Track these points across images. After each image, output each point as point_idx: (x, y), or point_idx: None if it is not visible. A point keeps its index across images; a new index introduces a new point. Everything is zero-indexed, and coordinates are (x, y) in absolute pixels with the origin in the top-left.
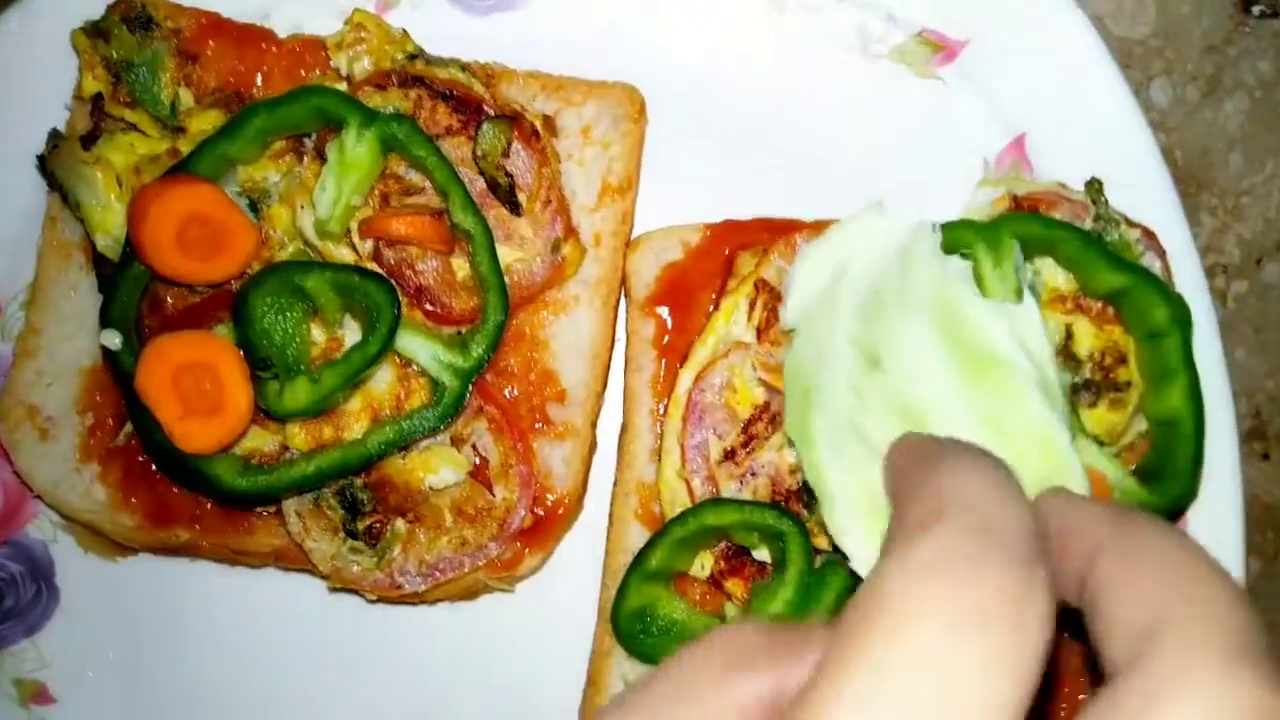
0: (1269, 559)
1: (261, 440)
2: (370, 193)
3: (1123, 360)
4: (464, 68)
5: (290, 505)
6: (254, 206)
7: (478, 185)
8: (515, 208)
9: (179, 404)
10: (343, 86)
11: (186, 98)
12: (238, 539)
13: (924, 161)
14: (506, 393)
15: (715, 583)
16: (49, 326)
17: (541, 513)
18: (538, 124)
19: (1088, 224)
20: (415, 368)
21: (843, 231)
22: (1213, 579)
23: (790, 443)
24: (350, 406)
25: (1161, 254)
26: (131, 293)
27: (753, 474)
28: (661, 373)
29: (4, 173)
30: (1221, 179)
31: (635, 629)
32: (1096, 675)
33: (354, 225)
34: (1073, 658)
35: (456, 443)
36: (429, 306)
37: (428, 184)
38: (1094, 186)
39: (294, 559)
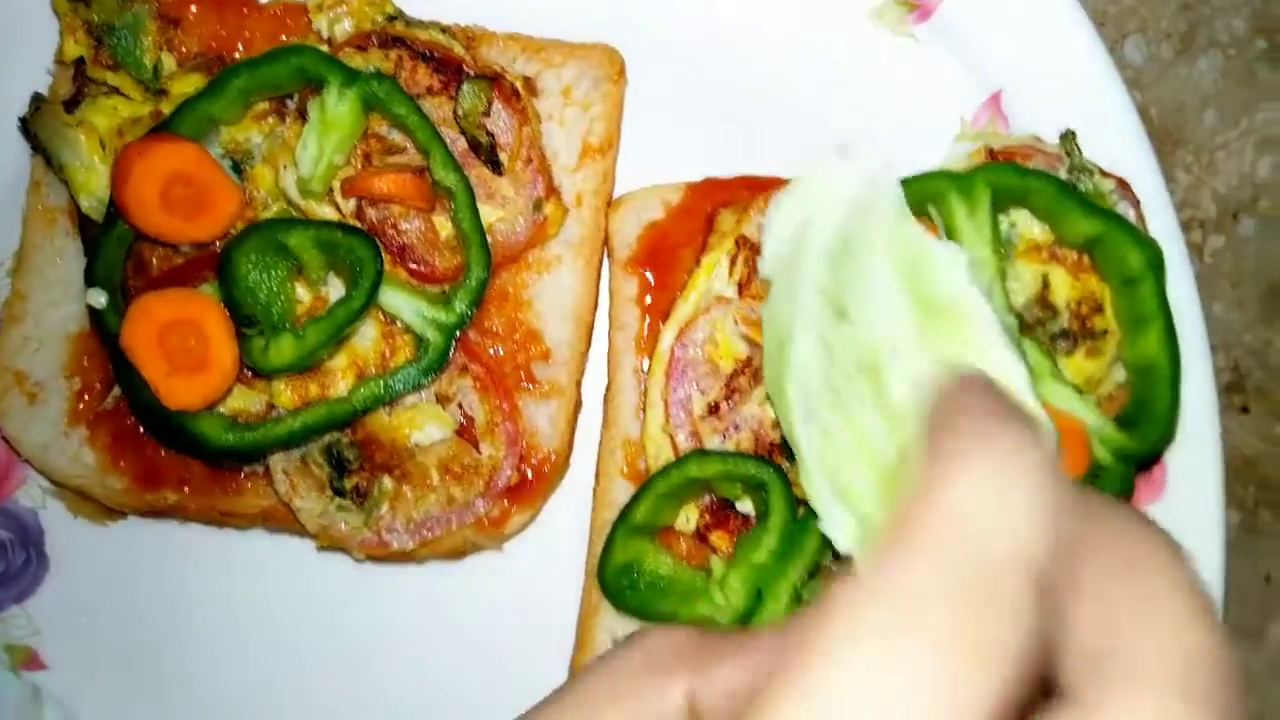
0: (1250, 511)
1: (248, 401)
2: (353, 152)
3: (1099, 309)
4: (444, 30)
5: (277, 464)
6: (237, 168)
7: (459, 145)
8: (496, 167)
9: (165, 361)
10: (324, 49)
11: (169, 62)
12: (226, 500)
13: (902, 119)
14: (491, 352)
15: (700, 537)
16: (35, 292)
17: (528, 471)
18: (518, 84)
19: (1062, 174)
20: (400, 325)
21: (809, 180)
22: (1183, 597)
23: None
24: (336, 364)
25: (1136, 204)
26: (116, 251)
27: (736, 428)
28: (645, 331)
29: None
30: (1196, 135)
31: (622, 584)
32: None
33: (337, 184)
34: None
35: (442, 401)
36: (412, 265)
37: (410, 144)
38: (1068, 138)
39: (282, 520)
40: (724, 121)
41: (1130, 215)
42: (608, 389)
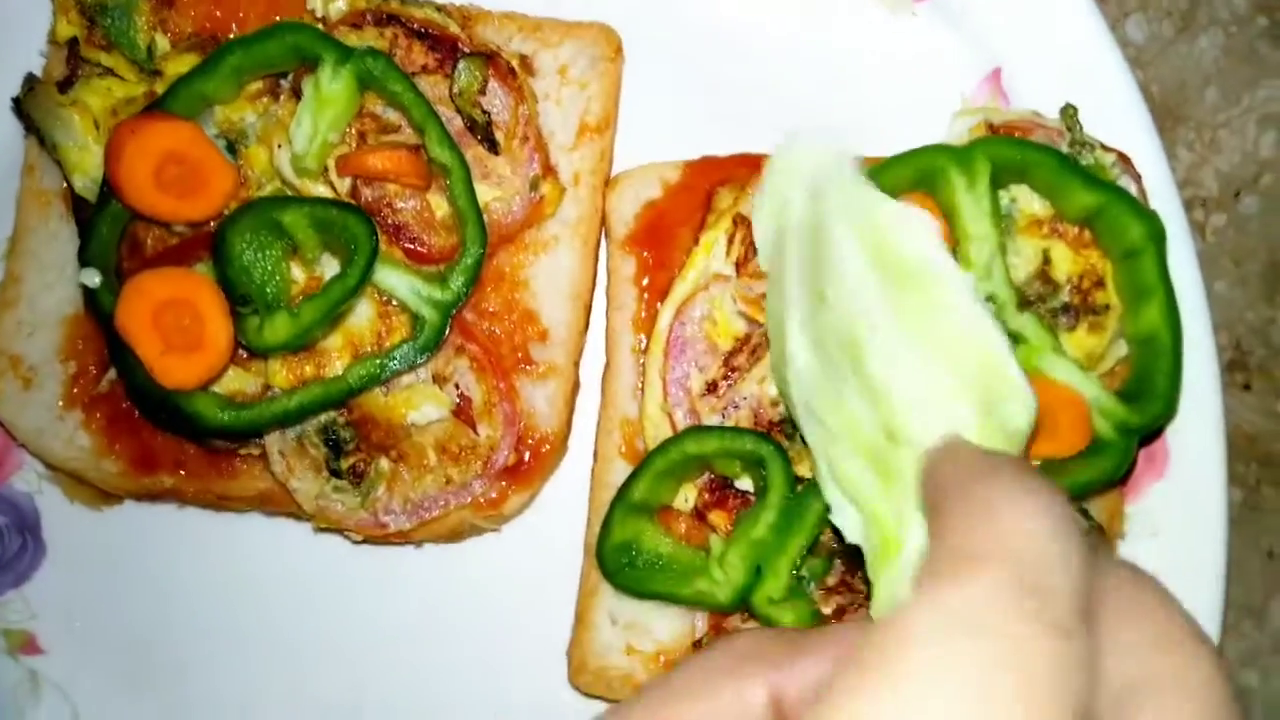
0: (1252, 488)
1: (243, 382)
2: (347, 131)
3: (1100, 284)
4: (439, 8)
5: (274, 445)
6: (231, 148)
7: (455, 124)
8: (493, 145)
9: (160, 340)
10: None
11: (163, 43)
12: (222, 483)
13: (902, 96)
14: (487, 331)
15: (699, 515)
16: (29, 275)
17: (526, 452)
18: (514, 62)
19: (1063, 149)
20: (395, 304)
21: (776, 165)
22: (1194, 644)
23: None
24: (331, 344)
25: (1137, 178)
26: (110, 231)
27: (734, 406)
28: (643, 310)
29: None
30: (1198, 113)
31: (621, 562)
32: None
33: (331, 163)
34: None
35: (439, 381)
36: (408, 245)
37: (405, 123)
38: (1069, 112)
39: (279, 503)
40: (722, 99)
41: (1132, 189)
42: (605, 369)
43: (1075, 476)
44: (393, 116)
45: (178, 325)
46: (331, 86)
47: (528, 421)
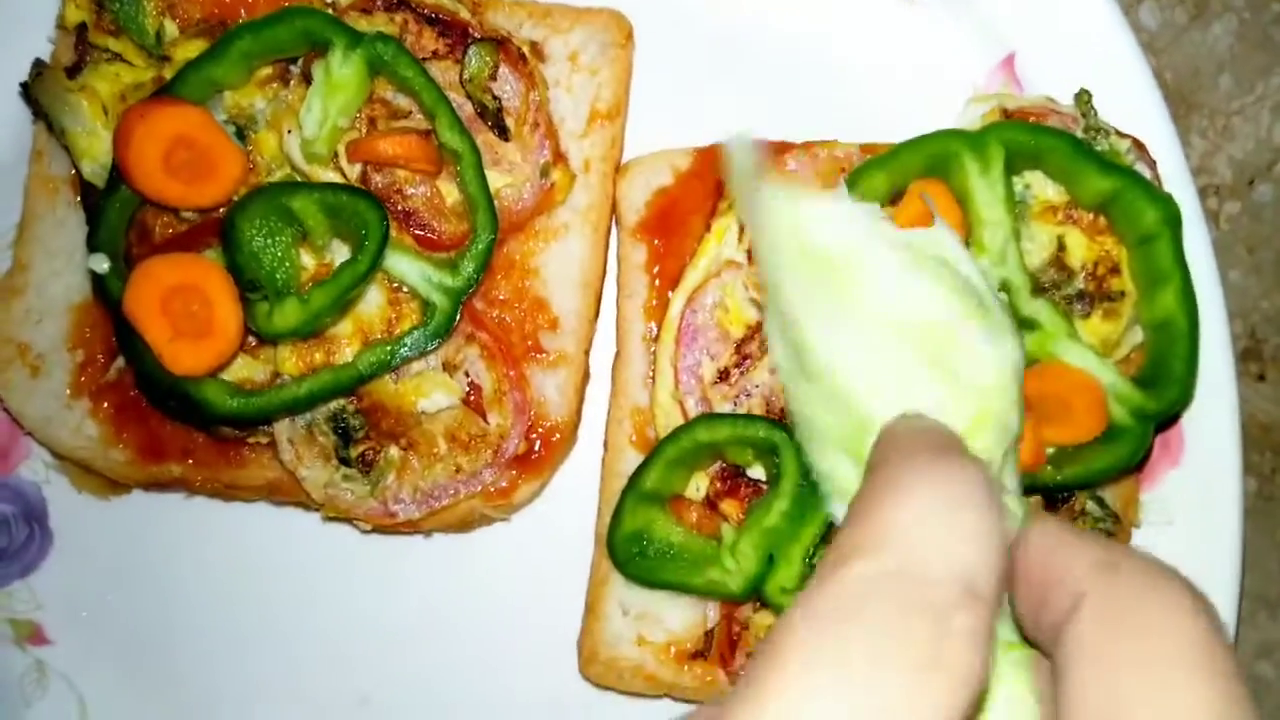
0: (1266, 478)
1: (253, 370)
2: (357, 116)
3: (1115, 271)
4: None
5: (283, 433)
6: (241, 133)
7: (465, 110)
8: (503, 132)
9: (168, 326)
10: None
11: (171, 28)
12: (230, 473)
13: (915, 83)
14: (497, 319)
15: (711, 504)
16: (37, 263)
17: (536, 440)
18: (525, 48)
19: (1078, 134)
20: (406, 291)
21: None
22: (1196, 656)
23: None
24: (341, 330)
25: (1152, 164)
26: (119, 216)
27: (746, 394)
28: (654, 298)
29: None
30: (1211, 100)
31: (632, 551)
32: None
33: (341, 149)
34: None
35: (449, 369)
36: (418, 231)
37: (415, 109)
38: (1083, 97)
39: (287, 492)
40: (733, 86)
41: (1147, 175)
42: (616, 357)
43: (1091, 463)
44: (403, 102)
45: (186, 311)
46: (342, 71)
47: (538, 410)
